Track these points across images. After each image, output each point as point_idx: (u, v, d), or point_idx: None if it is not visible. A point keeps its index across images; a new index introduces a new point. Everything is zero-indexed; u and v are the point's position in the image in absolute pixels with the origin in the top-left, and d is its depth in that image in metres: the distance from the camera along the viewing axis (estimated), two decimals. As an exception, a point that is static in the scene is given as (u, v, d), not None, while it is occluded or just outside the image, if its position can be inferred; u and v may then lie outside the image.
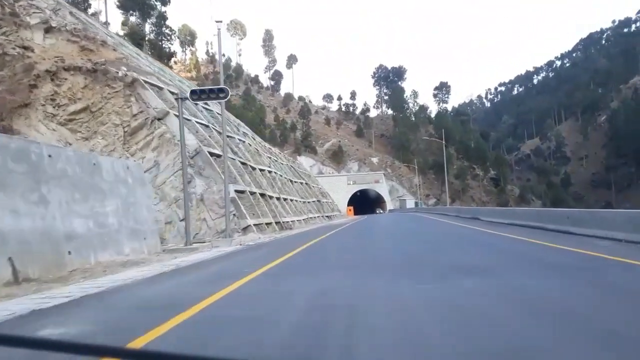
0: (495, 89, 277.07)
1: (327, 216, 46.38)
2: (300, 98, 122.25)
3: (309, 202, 42.21)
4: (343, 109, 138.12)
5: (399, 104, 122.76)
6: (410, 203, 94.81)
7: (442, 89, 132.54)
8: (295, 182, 42.44)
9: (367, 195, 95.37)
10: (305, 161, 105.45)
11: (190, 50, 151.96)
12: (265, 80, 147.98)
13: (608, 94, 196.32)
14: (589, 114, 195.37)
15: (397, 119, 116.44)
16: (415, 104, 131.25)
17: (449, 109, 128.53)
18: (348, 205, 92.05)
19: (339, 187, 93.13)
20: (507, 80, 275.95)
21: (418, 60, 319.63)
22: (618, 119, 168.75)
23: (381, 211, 75.94)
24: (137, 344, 3.58)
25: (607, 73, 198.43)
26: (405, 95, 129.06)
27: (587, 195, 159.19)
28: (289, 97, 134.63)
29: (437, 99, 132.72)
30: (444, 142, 58.71)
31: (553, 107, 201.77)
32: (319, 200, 46.57)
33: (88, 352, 0.88)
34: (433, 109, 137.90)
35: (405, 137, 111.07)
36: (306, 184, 45.93)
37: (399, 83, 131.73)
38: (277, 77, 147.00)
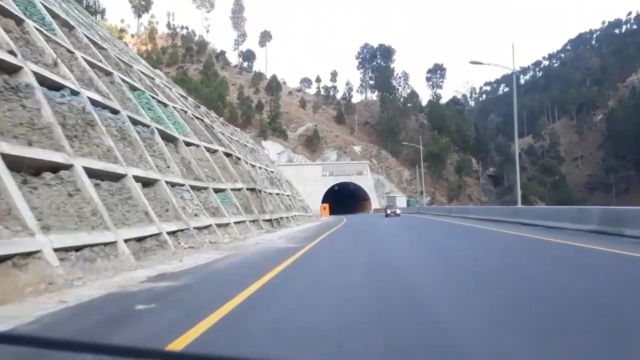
0: (480, 88, 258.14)
1: (271, 220, 22.35)
2: (274, 76, 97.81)
3: (222, 190, 18.12)
4: (322, 92, 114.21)
5: (387, 85, 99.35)
6: (401, 201, 71.40)
7: (437, 72, 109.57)
8: (195, 145, 18.40)
9: (347, 191, 71.66)
10: (272, 147, 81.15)
11: (149, 20, 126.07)
12: (234, 58, 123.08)
13: (604, 92, 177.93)
14: (585, 112, 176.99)
15: (386, 100, 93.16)
16: (407, 86, 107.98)
17: (444, 95, 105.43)
18: (322, 202, 68.16)
19: (312, 180, 69.14)
20: (492, 80, 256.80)
21: (406, 52, 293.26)
22: (616, 119, 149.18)
23: (395, 211, 37.58)
24: None
25: (602, 71, 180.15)
26: (394, 75, 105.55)
27: (584, 199, 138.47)
28: (259, 76, 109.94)
29: (431, 82, 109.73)
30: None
31: (546, 105, 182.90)
32: (254, 190, 22.33)
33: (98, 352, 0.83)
34: (424, 98, 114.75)
35: (394, 122, 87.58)
36: (227, 154, 21.67)
37: (388, 64, 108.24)
38: (249, 56, 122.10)
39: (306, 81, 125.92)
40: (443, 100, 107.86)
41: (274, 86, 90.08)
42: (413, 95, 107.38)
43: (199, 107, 25.93)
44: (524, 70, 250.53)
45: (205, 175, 17.45)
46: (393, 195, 74.03)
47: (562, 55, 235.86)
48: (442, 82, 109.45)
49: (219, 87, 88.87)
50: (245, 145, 30.89)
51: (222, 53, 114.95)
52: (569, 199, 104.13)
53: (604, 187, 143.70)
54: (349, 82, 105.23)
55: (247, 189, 21.39)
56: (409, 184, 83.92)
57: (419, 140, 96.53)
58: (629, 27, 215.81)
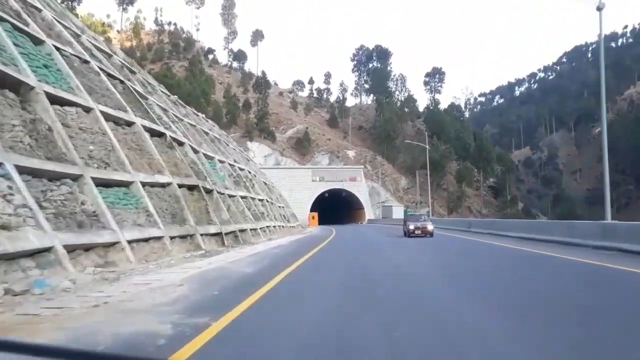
0: (475, 99, 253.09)
1: (223, 234, 14.75)
2: (263, 74, 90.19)
3: (123, 183, 10.49)
4: (315, 94, 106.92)
5: (383, 88, 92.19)
6: (397, 211, 63.90)
7: (435, 76, 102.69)
8: (83, 107, 10.90)
9: (338, 198, 64.09)
10: (258, 149, 73.59)
11: (136, 15, 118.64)
12: (224, 57, 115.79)
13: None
14: (583, 124, 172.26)
15: (381, 102, 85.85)
16: (404, 89, 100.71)
17: (443, 100, 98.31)
18: (311, 210, 60.59)
19: (300, 185, 61.55)
20: (487, 91, 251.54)
21: (403, 56, 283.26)
22: (615, 132, 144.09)
23: (426, 227, 19.50)
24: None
25: (600, 83, 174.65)
26: (392, 76, 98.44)
27: (583, 214, 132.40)
28: (248, 75, 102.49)
29: (429, 87, 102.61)
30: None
31: (544, 117, 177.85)
32: (197, 189, 14.63)
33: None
34: (421, 103, 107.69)
35: (391, 126, 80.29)
36: (157, 133, 14.03)
37: (384, 67, 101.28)
38: (239, 56, 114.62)
39: (299, 84, 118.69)
40: (441, 107, 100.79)
41: (263, 84, 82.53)
42: (410, 100, 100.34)
43: (134, 72, 18.26)
44: (518, 82, 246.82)
45: (86, 155, 9.77)
46: (389, 204, 66.58)
47: (558, 67, 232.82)
48: (440, 86, 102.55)
49: (203, 84, 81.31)
50: (206, 133, 23.27)
51: (211, 51, 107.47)
52: (572, 214, 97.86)
53: (603, 202, 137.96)
54: (343, 83, 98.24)
55: (183, 186, 13.70)
56: (406, 192, 76.56)
57: (418, 145, 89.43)
58: (625, 40, 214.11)
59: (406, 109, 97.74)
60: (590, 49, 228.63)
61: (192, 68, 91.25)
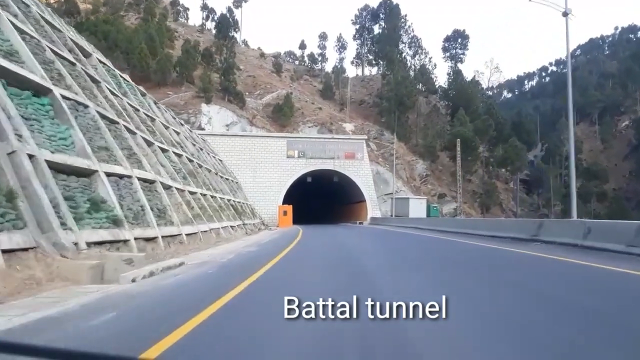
0: (482, 94, 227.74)
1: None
2: (230, 10, 66.05)
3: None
4: (307, 60, 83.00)
5: (394, 44, 68.30)
6: (416, 207, 40.09)
7: (456, 41, 78.51)
8: None
9: (326, 184, 40.04)
10: (218, 115, 49.46)
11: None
12: (197, 16, 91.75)
13: (630, 95, 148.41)
14: (608, 117, 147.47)
15: (393, 59, 61.73)
16: (420, 51, 76.07)
17: (465, 70, 74.19)
18: (284, 202, 36.43)
19: (269, 163, 37.36)
20: (495, 85, 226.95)
21: (415, 21, 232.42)
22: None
23: None
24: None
25: (628, 73, 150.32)
26: (406, 28, 74.17)
27: (606, 215, 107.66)
28: (223, 36, 78.31)
29: (448, 54, 78.40)
30: None
31: (564, 108, 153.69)
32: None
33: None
34: (438, 76, 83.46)
35: (405, 90, 56.24)
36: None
37: (393, 25, 77.20)
38: (221, 21, 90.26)
39: (290, 55, 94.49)
40: (466, 71, 76.63)
41: (230, 23, 58.21)
42: (424, 71, 76.28)
43: None
44: (529, 76, 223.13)
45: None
46: (404, 197, 42.59)
47: (573, 60, 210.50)
48: (463, 54, 78.34)
49: (150, 28, 57.22)
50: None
51: (177, 3, 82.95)
52: (621, 214, 73.82)
53: (633, 204, 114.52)
54: (341, 38, 74.32)
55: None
56: (424, 181, 52.56)
57: (431, 127, 66.14)
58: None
59: (420, 85, 73.40)
60: (607, 40, 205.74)
61: (146, 17, 67.21)
